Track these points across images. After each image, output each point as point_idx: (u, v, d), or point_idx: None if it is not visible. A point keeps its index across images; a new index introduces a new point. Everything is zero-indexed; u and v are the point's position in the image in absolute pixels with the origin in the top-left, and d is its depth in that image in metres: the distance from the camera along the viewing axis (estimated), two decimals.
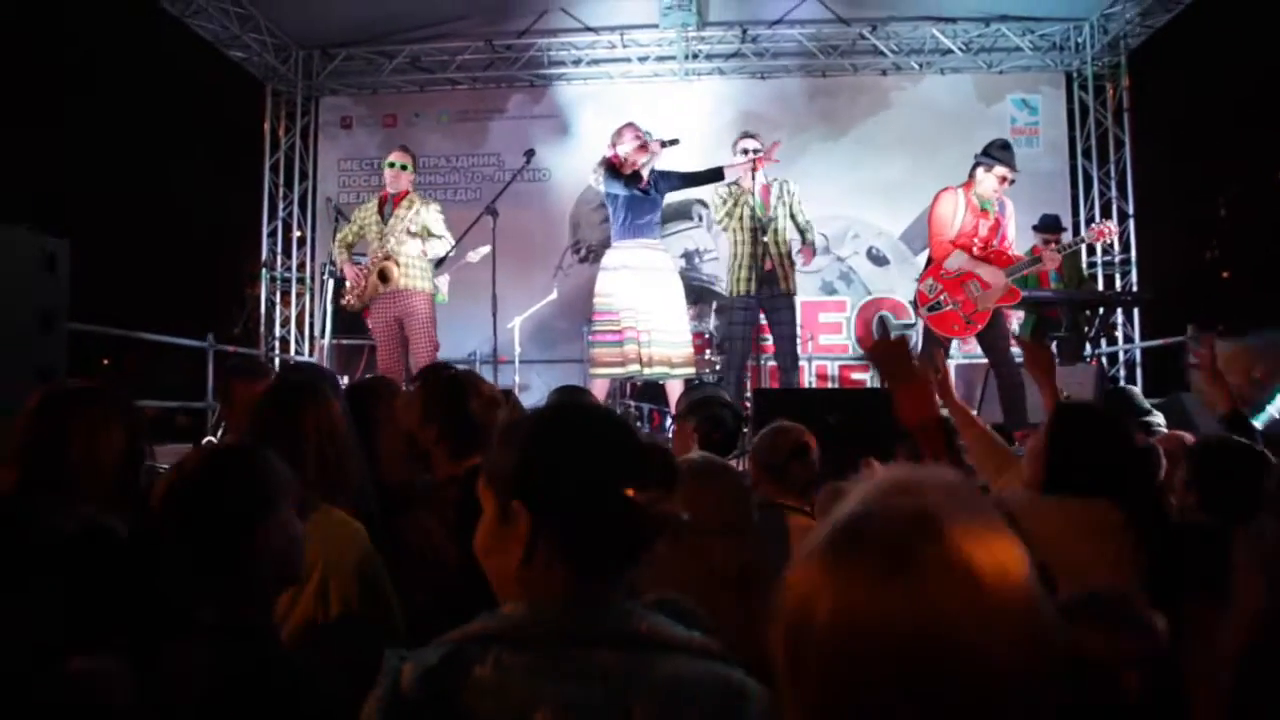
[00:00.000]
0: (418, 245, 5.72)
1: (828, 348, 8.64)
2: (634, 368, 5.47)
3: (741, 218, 5.71)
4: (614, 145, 5.56)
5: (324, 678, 1.15)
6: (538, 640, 1.02)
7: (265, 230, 9.40)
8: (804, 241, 5.79)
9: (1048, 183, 8.46)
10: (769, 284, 5.68)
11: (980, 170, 5.20)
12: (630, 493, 1.06)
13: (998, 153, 5.21)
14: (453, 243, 5.84)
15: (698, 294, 7.98)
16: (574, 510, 1.07)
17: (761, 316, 5.79)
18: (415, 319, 5.74)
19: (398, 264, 5.67)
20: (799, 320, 6.17)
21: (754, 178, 5.69)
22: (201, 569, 1.37)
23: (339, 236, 6.06)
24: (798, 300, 6.00)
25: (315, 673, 1.34)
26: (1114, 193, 8.79)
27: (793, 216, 5.79)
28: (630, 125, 5.61)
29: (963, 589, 0.66)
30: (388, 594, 1.85)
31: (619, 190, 5.49)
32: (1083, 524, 1.83)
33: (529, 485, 1.08)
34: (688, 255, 8.99)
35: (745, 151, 5.70)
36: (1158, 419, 3.92)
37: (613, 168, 5.50)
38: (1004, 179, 5.19)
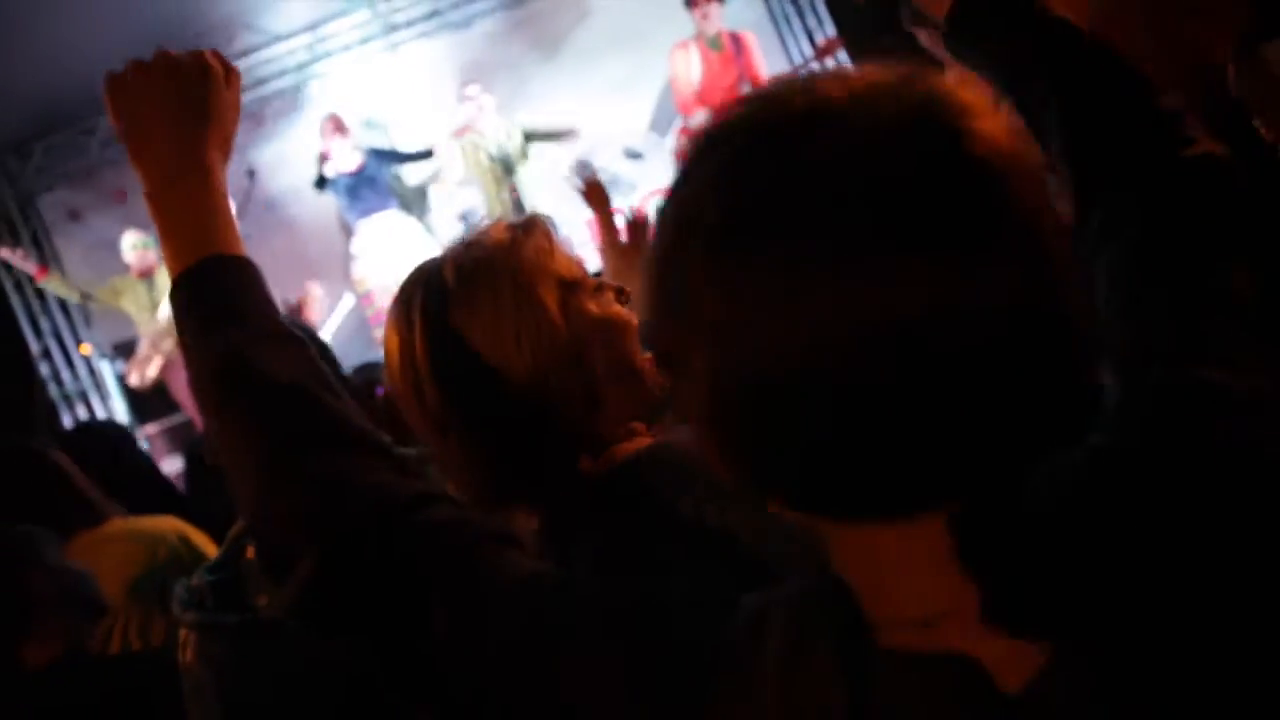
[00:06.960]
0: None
1: None
2: None
3: (480, 163, 5.84)
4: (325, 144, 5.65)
5: (161, 701, 1.20)
6: None
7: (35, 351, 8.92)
8: (560, 139, 5.74)
9: None
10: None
11: (687, 13, 5.12)
12: None
13: None
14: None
15: None
16: None
17: None
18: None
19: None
20: None
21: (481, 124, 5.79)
22: None
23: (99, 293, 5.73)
24: None
25: (151, 698, 1.38)
26: None
27: (531, 135, 5.87)
28: (326, 119, 5.74)
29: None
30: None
31: (336, 181, 5.61)
32: None
33: None
34: (464, 217, 9.13)
35: (470, 99, 5.78)
36: None
37: (320, 169, 5.61)
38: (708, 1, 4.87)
